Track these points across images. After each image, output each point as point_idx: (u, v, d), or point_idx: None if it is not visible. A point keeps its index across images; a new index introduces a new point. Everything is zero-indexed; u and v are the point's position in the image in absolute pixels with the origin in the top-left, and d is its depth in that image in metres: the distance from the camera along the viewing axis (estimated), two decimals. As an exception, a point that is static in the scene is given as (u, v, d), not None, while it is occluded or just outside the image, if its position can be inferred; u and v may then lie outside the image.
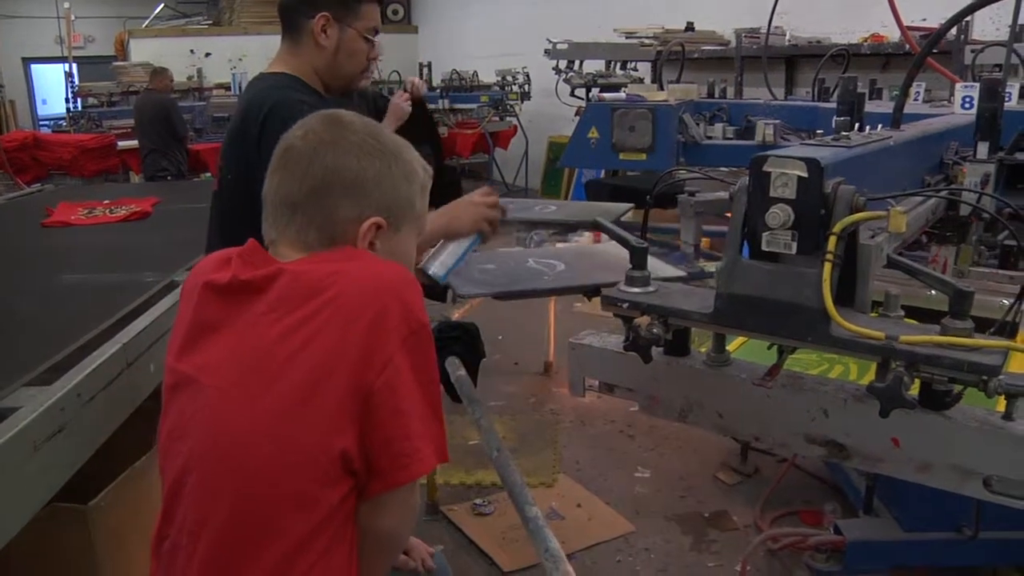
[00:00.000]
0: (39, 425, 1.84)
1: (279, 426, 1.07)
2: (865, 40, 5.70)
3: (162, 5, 10.58)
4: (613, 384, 1.52)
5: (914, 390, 1.23)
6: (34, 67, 12.82)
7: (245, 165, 1.85)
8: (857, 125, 1.65)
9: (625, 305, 1.31)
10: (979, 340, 1.08)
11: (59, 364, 2.16)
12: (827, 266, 1.12)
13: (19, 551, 1.83)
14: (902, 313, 1.22)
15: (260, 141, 1.79)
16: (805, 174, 1.12)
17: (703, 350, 1.45)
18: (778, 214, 1.13)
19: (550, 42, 5.45)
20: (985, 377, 1.07)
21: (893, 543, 2.46)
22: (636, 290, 1.34)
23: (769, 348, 1.29)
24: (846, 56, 3.99)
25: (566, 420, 4.15)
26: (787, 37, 5.92)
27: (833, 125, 1.52)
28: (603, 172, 5.71)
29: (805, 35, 5.96)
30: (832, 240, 1.12)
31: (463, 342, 3.09)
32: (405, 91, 3.44)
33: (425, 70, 11.51)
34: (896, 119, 1.70)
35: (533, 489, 3.53)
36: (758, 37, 5.74)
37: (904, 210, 1.27)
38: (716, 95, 3.91)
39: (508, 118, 9.53)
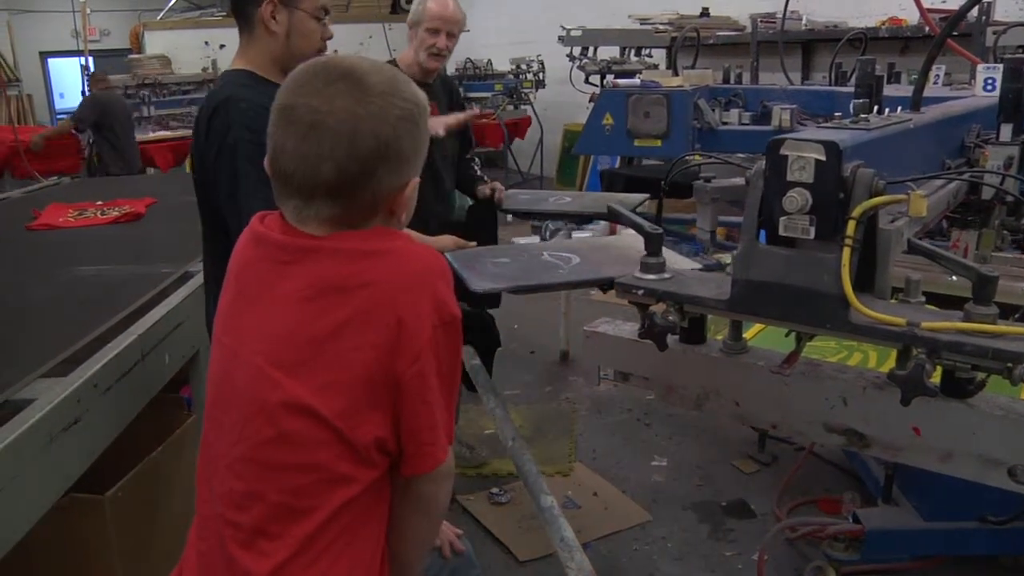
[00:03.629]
0: (55, 416, 1.85)
1: (312, 407, 1.07)
2: (883, 24, 5.62)
3: (173, 0, 10.60)
4: (628, 373, 1.50)
5: (936, 378, 1.21)
6: (51, 61, 12.87)
7: (199, 162, 1.88)
8: (876, 108, 1.61)
9: (640, 292, 1.30)
10: (1004, 327, 1.05)
11: (75, 356, 2.17)
12: (846, 251, 1.09)
13: (37, 541, 1.84)
14: (923, 299, 1.20)
15: (207, 139, 1.81)
16: (823, 157, 1.10)
17: (720, 338, 1.43)
18: (795, 198, 1.10)
19: (564, 29, 5.41)
20: (1010, 364, 1.04)
21: (913, 532, 2.43)
22: (651, 277, 1.32)
23: (787, 335, 1.27)
24: (863, 40, 3.93)
25: (583, 408, 4.13)
26: (803, 22, 5.85)
27: (851, 108, 1.48)
28: (618, 160, 5.67)
29: (821, 19, 5.89)
30: (851, 225, 1.10)
31: (478, 331, 3.08)
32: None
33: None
34: (916, 102, 1.66)
35: (549, 478, 3.52)
36: (774, 22, 5.67)
37: (925, 194, 1.24)
38: (732, 81, 3.86)
39: (523, 106, 9.48)
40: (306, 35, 1.96)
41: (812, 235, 1.12)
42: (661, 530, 3.03)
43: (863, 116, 1.42)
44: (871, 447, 1.24)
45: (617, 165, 5.57)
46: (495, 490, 3.31)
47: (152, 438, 2.33)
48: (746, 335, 1.40)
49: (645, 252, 1.34)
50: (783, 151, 1.12)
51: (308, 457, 1.08)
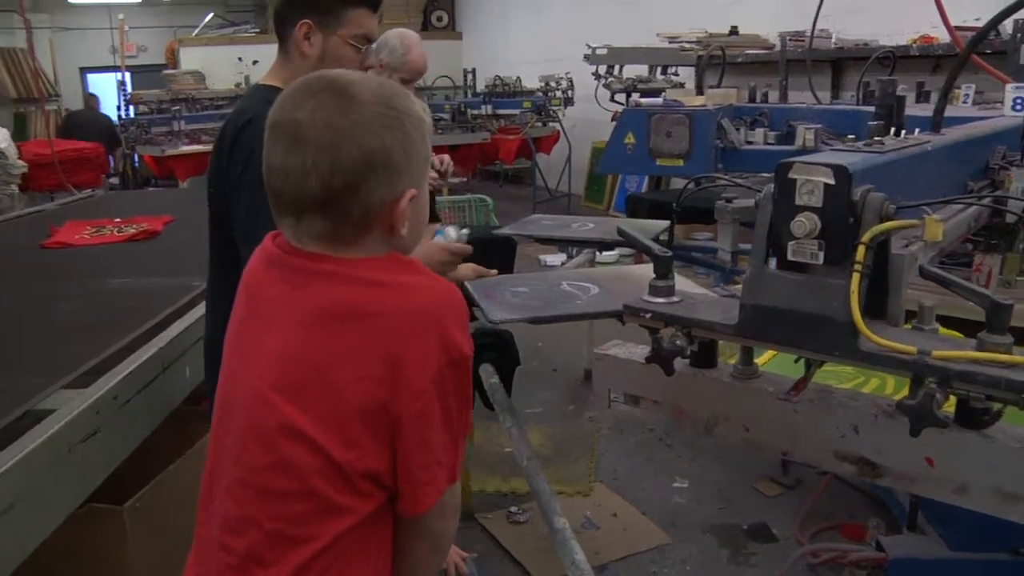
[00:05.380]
0: (74, 427, 1.87)
1: (308, 435, 1.06)
2: (914, 42, 5.55)
3: (211, 15, 10.77)
4: (639, 396, 1.49)
5: (950, 407, 1.18)
6: (90, 76, 13.18)
7: (219, 174, 1.85)
8: (893, 129, 1.59)
9: (648, 315, 1.28)
10: (1018, 357, 1.03)
11: (96, 367, 2.20)
12: (855, 277, 1.07)
13: (56, 549, 1.87)
14: (937, 326, 1.17)
15: (231, 154, 1.78)
16: (832, 181, 1.08)
17: (732, 362, 1.42)
18: (804, 223, 1.09)
19: (589, 47, 5.42)
20: (1024, 396, 1.01)
21: (939, 562, 2.38)
22: (660, 300, 1.31)
23: (796, 362, 1.25)
24: (892, 59, 3.89)
25: (605, 428, 4.11)
26: (832, 40, 5.79)
27: (867, 130, 1.46)
28: (646, 179, 5.64)
29: (851, 37, 5.83)
30: (860, 250, 1.08)
31: (497, 349, 3.07)
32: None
33: (469, 76, 11.56)
34: (936, 122, 1.63)
35: (569, 498, 3.50)
36: (803, 40, 5.63)
37: (941, 218, 1.22)
38: (758, 99, 3.84)
39: (551, 123, 9.50)
40: (339, 61, 1.90)
41: (821, 260, 1.11)
42: (680, 553, 3.00)
43: (878, 138, 1.40)
44: (883, 477, 1.21)
45: (645, 183, 5.54)
46: (513, 509, 3.30)
47: (172, 450, 2.35)
48: (758, 360, 1.38)
49: (654, 272, 1.33)
50: (792, 175, 1.11)
51: (303, 485, 1.06)
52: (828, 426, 1.24)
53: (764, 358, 1.70)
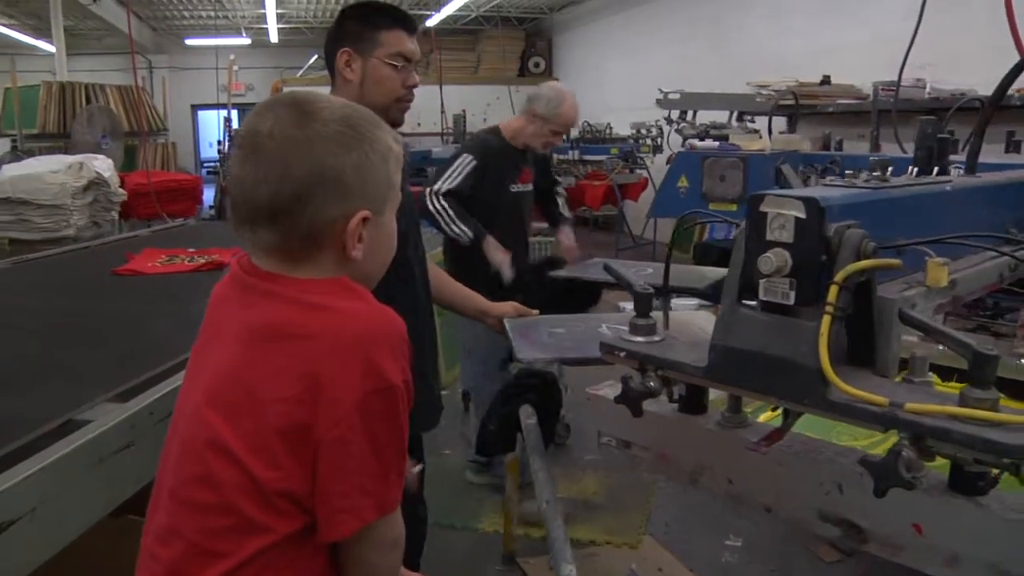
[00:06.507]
0: (108, 438, 1.92)
1: (232, 450, 1.06)
2: (1020, 91, 5.25)
3: (316, 56, 11.26)
4: (629, 441, 1.41)
5: (943, 469, 1.07)
6: (200, 113, 14.02)
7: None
8: (913, 170, 1.49)
9: (622, 354, 1.22)
10: (1001, 415, 0.92)
11: (138, 386, 2.27)
12: (826, 319, 0.99)
13: (81, 559, 1.91)
14: (929, 378, 1.07)
15: None
16: (803, 215, 1.01)
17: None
18: (771, 259, 1.01)
19: (661, 92, 5.37)
20: (1008, 459, 0.90)
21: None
22: (639, 339, 1.25)
23: (774, 409, 1.16)
24: (982, 106, 3.68)
25: (662, 478, 3.96)
26: (927, 89, 5.55)
27: (868, 164, 1.37)
28: (734, 228, 5.50)
29: (948, 87, 5.58)
30: (833, 290, 0.99)
31: (539, 391, 3.02)
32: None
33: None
34: (971, 165, 1.52)
35: (616, 549, 3.39)
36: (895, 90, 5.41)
37: (944, 261, 1.12)
38: (832, 148, 3.70)
39: (639, 170, 9.44)
40: (380, 82, 2.01)
41: (792, 300, 1.03)
42: (722, 616, 2.84)
43: (876, 173, 1.31)
44: (868, 542, 1.10)
45: (732, 235, 5.38)
46: (553, 556, 3.20)
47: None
48: (747, 408, 1.29)
49: (635, 310, 1.27)
50: (763, 208, 1.04)
51: (223, 499, 1.05)
52: (812, 482, 1.14)
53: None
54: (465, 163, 3.59)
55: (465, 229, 3.51)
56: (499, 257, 3.50)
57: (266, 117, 1.10)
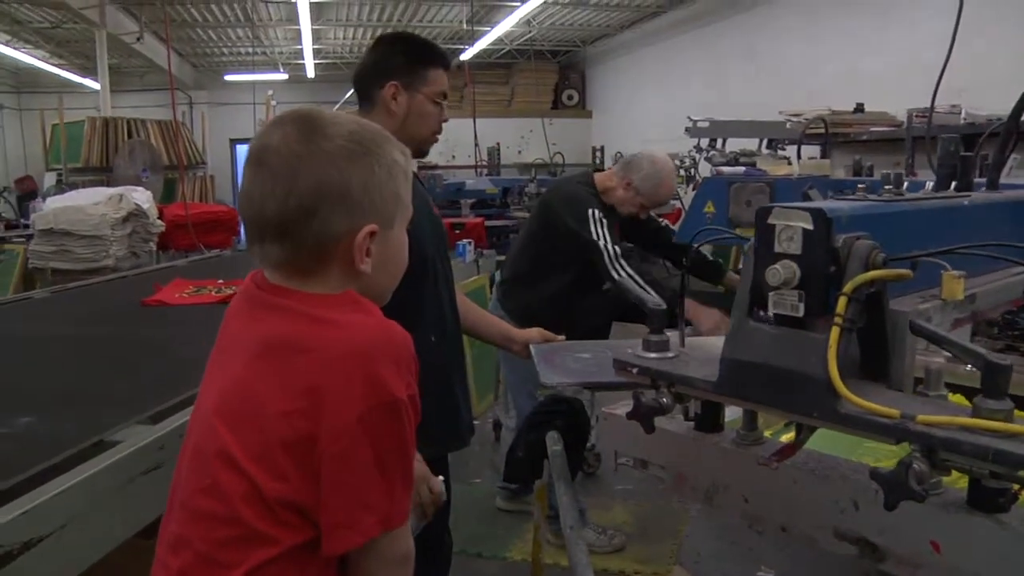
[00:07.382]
0: (136, 459, 1.94)
1: (238, 461, 1.07)
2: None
3: (352, 91, 11.45)
4: (646, 460, 1.40)
5: (962, 484, 1.05)
6: (239, 147, 14.37)
7: None
8: (929, 186, 1.47)
9: (634, 370, 1.22)
10: (1014, 426, 0.90)
11: (169, 408, 2.30)
12: (834, 331, 0.98)
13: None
14: (944, 392, 1.05)
15: None
16: (810, 226, 1.00)
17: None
18: (778, 271, 1.01)
19: (691, 120, 5.37)
20: (1015, 469, 0.88)
21: None
22: (652, 355, 1.24)
23: (786, 425, 1.14)
24: (1013, 132, 3.63)
25: (694, 508, 3.91)
26: (962, 115, 5.49)
27: (879, 178, 1.36)
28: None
29: (984, 112, 5.51)
30: (842, 301, 0.99)
31: (566, 416, 3.00)
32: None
33: (598, 153, 11.71)
34: (992, 180, 1.50)
35: (644, 579, 3.34)
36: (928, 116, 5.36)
37: (960, 274, 1.11)
38: (863, 174, 3.67)
39: (672, 201, 9.41)
40: (424, 117, 2.08)
41: (801, 312, 1.02)
42: (751, 649, 2.78)
43: (888, 187, 1.30)
44: (885, 561, 1.08)
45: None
46: (598, 586, 3.17)
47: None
48: (767, 432, 1.28)
49: (647, 326, 1.27)
50: (771, 220, 1.03)
51: (230, 510, 1.06)
52: (827, 500, 1.13)
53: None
54: (599, 217, 3.28)
55: (653, 292, 3.00)
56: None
57: (274, 133, 1.13)
